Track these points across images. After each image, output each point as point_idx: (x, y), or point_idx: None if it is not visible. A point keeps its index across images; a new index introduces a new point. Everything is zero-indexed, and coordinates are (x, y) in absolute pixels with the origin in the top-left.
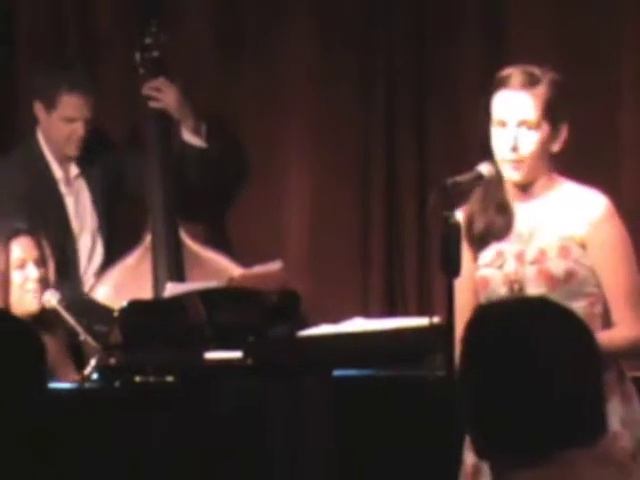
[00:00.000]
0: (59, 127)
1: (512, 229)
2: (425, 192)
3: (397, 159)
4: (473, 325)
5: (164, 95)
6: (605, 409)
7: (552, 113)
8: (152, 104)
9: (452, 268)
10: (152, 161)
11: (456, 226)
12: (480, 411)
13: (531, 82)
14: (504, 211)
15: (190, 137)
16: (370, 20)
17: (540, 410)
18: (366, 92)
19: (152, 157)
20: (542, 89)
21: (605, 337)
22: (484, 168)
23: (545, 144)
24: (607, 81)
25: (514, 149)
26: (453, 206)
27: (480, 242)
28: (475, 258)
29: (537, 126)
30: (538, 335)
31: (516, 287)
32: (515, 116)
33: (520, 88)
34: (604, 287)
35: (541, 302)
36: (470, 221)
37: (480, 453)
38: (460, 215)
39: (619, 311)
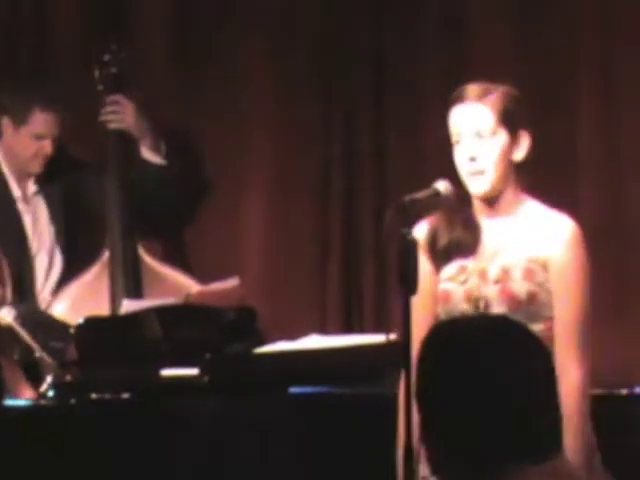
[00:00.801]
0: (27, 144)
1: (478, 244)
2: (383, 209)
3: (355, 176)
4: (430, 342)
5: (123, 115)
6: (561, 426)
7: (508, 120)
8: (111, 125)
9: (409, 285)
10: (111, 179)
11: (413, 243)
12: (436, 426)
13: (484, 93)
14: (471, 228)
15: (149, 155)
16: (329, 35)
17: (496, 426)
18: (326, 108)
19: (111, 175)
20: (495, 97)
21: (571, 407)
22: (441, 185)
23: (505, 153)
24: (566, 97)
25: (472, 159)
26: (410, 223)
27: (444, 257)
28: (437, 271)
29: (493, 134)
30: (495, 353)
31: (481, 304)
32: (470, 127)
33: (473, 100)
34: (555, 311)
35: (499, 320)
36: (434, 236)
37: (434, 468)
38: (424, 228)
39: (563, 343)
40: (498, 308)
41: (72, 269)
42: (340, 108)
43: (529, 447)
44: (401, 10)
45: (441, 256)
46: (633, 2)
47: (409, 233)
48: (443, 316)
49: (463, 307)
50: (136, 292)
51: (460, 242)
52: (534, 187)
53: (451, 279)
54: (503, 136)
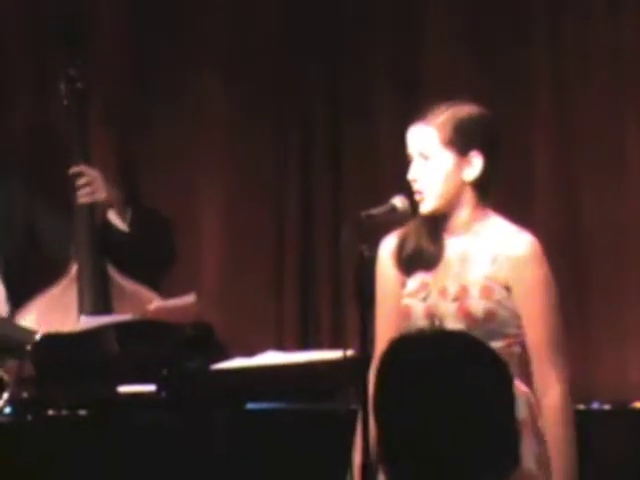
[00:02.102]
0: None
1: (440, 261)
2: (340, 224)
3: (312, 191)
4: (386, 357)
5: (95, 189)
6: (518, 443)
7: (455, 140)
8: (82, 200)
9: (365, 301)
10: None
11: (370, 259)
12: (392, 441)
13: (433, 114)
14: (435, 241)
15: (115, 220)
16: (283, 64)
17: (453, 443)
18: (281, 123)
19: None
20: (443, 118)
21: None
22: (398, 201)
23: (451, 174)
24: (522, 113)
25: (413, 180)
26: (367, 239)
27: (408, 266)
28: (403, 285)
29: (436, 155)
30: (452, 369)
31: (436, 322)
32: (415, 149)
33: (421, 121)
34: (526, 331)
35: (457, 336)
36: (402, 245)
37: None
38: (393, 239)
39: (539, 361)
40: (455, 325)
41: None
42: (296, 124)
43: (486, 463)
44: (354, 39)
45: (406, 265)
46: (583, 19)
47: (366, 249)
48: (404, 332)
49: (422, 323)
50: (105, 307)
51: (424, 252)
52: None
53: (412, 295)
54: (447, 157)
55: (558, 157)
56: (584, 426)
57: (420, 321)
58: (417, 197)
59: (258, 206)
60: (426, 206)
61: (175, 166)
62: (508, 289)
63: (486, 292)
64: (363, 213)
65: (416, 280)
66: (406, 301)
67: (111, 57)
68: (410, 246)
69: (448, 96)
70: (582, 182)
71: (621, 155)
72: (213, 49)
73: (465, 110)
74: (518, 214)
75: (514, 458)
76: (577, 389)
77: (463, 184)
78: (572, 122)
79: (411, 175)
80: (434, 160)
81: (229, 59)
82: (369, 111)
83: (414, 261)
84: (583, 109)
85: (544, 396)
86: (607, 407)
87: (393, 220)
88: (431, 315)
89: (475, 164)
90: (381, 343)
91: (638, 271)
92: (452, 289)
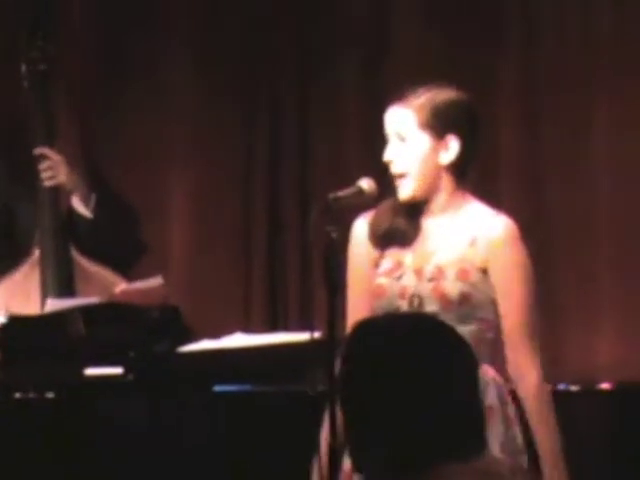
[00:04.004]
0: None
1: (416, 239)
2: (308, 207)
3: (280, 175)
4: (354, 340)
5: (55, 172)
6: (484, 426)
7: (431, 123)
8: (46, 183)
9: (333, 283)
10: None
11: (338, 241)
12: (359, 424)
13: (410, 96)
14: (410, 220)
15: (79, 206)
16: (252, 46)
17: (420, 425)
18: (249, 109)
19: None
20: (420, 101)
21: (532, 414)
22: (364, 183)
23: (427, 156)
24: (487, 95)
25: (389, 162)
26: (335, 221)
27: (383, 241)
28: (376, 265)
29: (412, 137)
30: (418, 352)
31: (415, 301)
32: (392, 130)
33: (395, 104)
34: (501, 315)
35: (424, 319)
36: (377, 222)
37: (357, 466)
38: (367, 217)
39: (514, 345)
40: (431, 306)
41: None
42: (263, 108)
43: (452, 447)
44: (323, 17)
45: (381, 240)
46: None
47: (333, 231)
48: (378, 311)
49: (398, 303)
50: (68, 291)
51: (400, 228)
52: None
53: (387, 274)
54: (425, 139)
55: (523, 140)
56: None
57: (395, 300)
58: (396, 182)
59: (226, 190)
60: (406, 190)
61: (142, 151)
62: (484, 272)
63: (462, 274)
64: (330, 195)
65: (391, 259)
66: (380, 280)
67: (77, 41)
68: (385, 222)
69: (415, 74)
70: (548, 166)
71: (587, 138)
72: (181, 35)
73: (443, 94)
74: (483, 197)
75: (479, 442)
76: (545, 370)
77: (440, 168)
78: (538, 104)
79: (387, 156)
80: (410, 142)
81: (197, 44)
82: (337, 96)
83: (389, 236)
84: (550, 90)
85: (520, 382)
86: (574, 388)
87: (360, 202)
88: (406, 295)
89: (451, 148)
90: (352, 324)
91: (605, 253)
92: (428, 269)
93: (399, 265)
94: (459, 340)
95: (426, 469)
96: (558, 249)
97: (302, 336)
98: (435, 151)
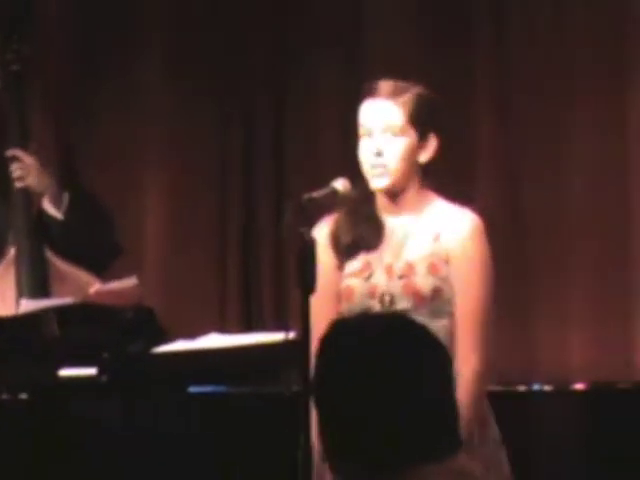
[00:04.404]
0: None
1: (382, 241)
2: (282, 208)
3: (255, 175)
4: (327, 339)
5: (26, 174)
6: (459, 425)
7: (418, 121)
8: (16, 184)
9: (308, 284)
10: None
11: (311, 242)
12: (334, 425)
13: (396, 91)
14: (374, 223)
15: (50, 208)
16: (226, 47)
17: (394, 426)
18: (224, 109)
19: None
20: (407, 97)
21: (462, 396)
22: (339, 184)
23: (411, 152)
24: (463, 94)
25: (378, 154)
26: (308, 222)
27: (348, 254)
28: (341, 267)
29: (402, 132)
30: (391, 352)
31: (387, 300)
32: (380, 123)
33: (385, 96)
34: (456, 304)
35: (396, 318)
36: (337, 233)
37: (333, 466)
38: (326, 226)
39: (463, 334)
40: (402, 303)
41: None
42: (237, 107)
43: (427, 446)
44: (299, 18)
45: (345, 252)
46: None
47: (307, 232)
48: (347, 313)
49: (368, 303)
50: (43, 291)
51: (364, 238)
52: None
53: (355, 275)
54: (411, 136)
55: (499, 138)
56: (525, 407)
57: (365, 300)
58: (377, 170)
59: (200, 190)
60: (384, 181)
61: (117, 151)
62: (449, 264)
63: (432, 268)
64: (304, 196)
65: (358, 260)
66: (348, 281)
67: (52, 41)
68: (348, 236)
69: (391, 74)
70: (524, 165)
71: (564, 137)
72: (155, 36)
73: (424, 92)
74: (459, 195)
75: (454, 442)
76: (518, 370)
77: (416, 165)
78: (514, 102)
79: (377, 149)
80: (401, 137)
81: (171, 45)
82: (311, 96)
83: (354, 248)
84: (526, 89)
85: (462, 366)
86: (548, 388)
87: (335, 203)
88: (376, 294)
89: (430, 147)
90: (320, 326)
91: (579, 253)
92: (397, 267)
93: (367, 265)
94: (432, 339)
95: (401, 469)
96: (533, 249)
97: (277, 336)
98: (417, 149)
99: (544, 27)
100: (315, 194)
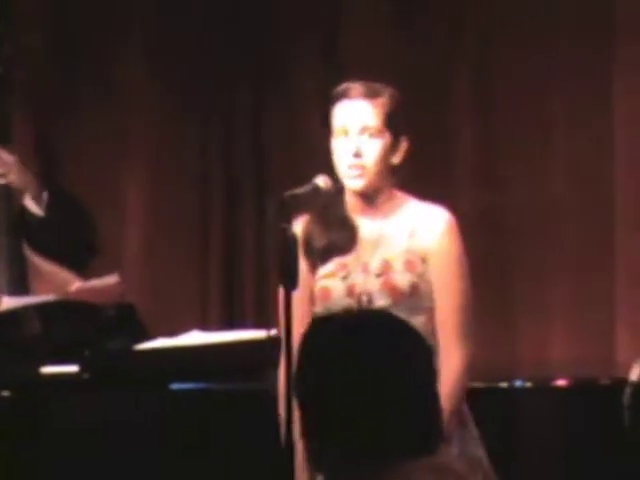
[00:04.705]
0: None
1: (355, 244)
2: (264, 204)
3: (236, 171)
4: (310, 337)
5: (7, 172)
6: (442, 422)
7: (393, 124)
8: None
9: (290, 280)
10: None
11: (294, 238)
12: (317, 423)
13: (372, 93)
14: (346, 226)
15: (31, 204)
16: (207, 46)
17: (378, 422)
18: (205, 105)
19: None
20: (383, 100)
21: (445, 389)
22: (321, 180)
23: (386, 154)
24: (443, 93)
25: (357, 155)
26: (291, 218)
27: (321, 257)
28: (313, 269)
29: (379, 134)
30: (375, 348)
31: (364, 299)
32: (357, 123)
33: (362, 97)
34: (436, 302)
35: (380, 315)
36: (308, 238)
37: (317, 465)
38: (297, 227)
39: (445, 330)
40: (381, 301)
41: None
42: (219, 104)
43: (410, 443)
44: (282, 19)
45: (319, 257)
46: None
47: (289, 228)
48: (323, 313)
49: (345, 302)
50: (22, 289)
51: (337, 243)
52: (409, 182)
53: (330, 276)
54: (386, 138)
55: (479, 138)
56: (507, 404)
57: (343, 300)
58: (354, 171)
59: (182, 187)
60: (362, 182)
61: (97, 150)
62: (425, 262)
63: (409, 265)
64: (286, 193)
65: (332, 262)
66: (323, 282)
67: (34, 41)
68: (321, 241)
69: (368, 75)
70: (506, 161)
71: (545, 135)
72: (136, 34)
73: (397, 94)
74: (440, 192)
75: (438, 438)
76: (499, 367)
77: (390, 167)
78: (494, 102)
79: (356, 150)
80: (378, 139)
81: (152, 44)
82: (292, 95)
83: (327, 253)
84: (507, 88)
85: (445, 362)
86: (529, 385)
87: (317, 199)
88: (354, 293)
89: (402, 149)
90: (298, 324)
91: (560, 250)
92: (374, 265)
93: (343, 265)
94: (416, 335)
95: (385, 465)
96: (514, 247)
97: (258, 334)
98: (391, 151)
99: (527, 26)
100: (297, 191)
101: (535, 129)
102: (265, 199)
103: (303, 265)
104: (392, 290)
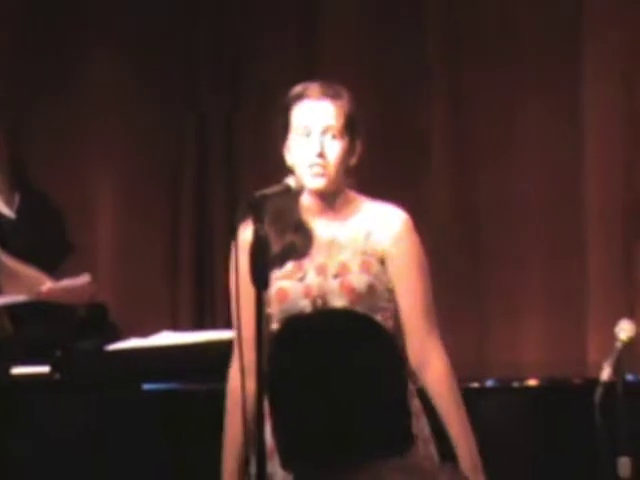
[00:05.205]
0: None
1: (312, 244)
2: (235, 204)
3: (208, 174)
4: (283, 337)
5: None
6: (412, 422)
7: (352, 126)
8: None
9: (260, 280)
10: None
11: (264, 238)
12: (288, 422)
13: (334, 94)
14: (302, 230)
15: (2, 207)
16: (178, 44)
17: (350, 422)
18: (175, 108)
19: None
20: (344, 101)
21: (443, 387)
22: (292, 180)
23: (346, 155)
24: (416, 92)
25: (320, 155)
26: (261, 219)
27: (278, 262)
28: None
29: (340, 134)
30: (350, 348)
31: (319, 301)
32: (320, 123)
33: (323, 97)
34: (400, 303)
35: (353, 315)
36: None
37: (286, 464)
38: (250, 229)
39: (416, 332)
40: (338, 302)
41: None
42: (190, 106)
43: (382, 443)
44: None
45: (274, 261)
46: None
47: (260, 229)
48: (281, 315)
49: (303, 303)
50: None
51: (293, 247)
52: (382, 185)
53: (287, 277)
54: (346, 139)
55: (451, 132)
56: (478, 404)
57: (300, 301)
58: (316, 170)
59: (153, 188)
60: (323, 181)
61: (69, 150)
62: (382, 263)
63: (365, 266)
64: (257, 193)
65: (289, 263)
66: (280, 284)
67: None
68: (277, 242)
69: (342, 77)
70: (476, 158)
71: (513, 132)
72: (106, 33)
73: (354, 98)
74: (412, 189)
75: (408, 438)
76: (471, 366)
77: (347, 168)
78: (466, 100)
79: (319, 149)
80: (339, 139)
81: (122, 42)
82: (264, 95)
83: (285, 257)
84: (478, 82)
85: (427, 367)
86: (500, 384)
87: (287, 199)
88: (311, 294)
89: (358, 150)
90: (247, 328)
91: (533, 249)
92: (331, 266)
93: (299, 267)
94: (388, 336)
95: (355, 465)
96: (485, 245)
97: (229, 334)
98: (349, 152)
99: (495, 21)
100: (267, 191)
101: (505, 122)
102: (236, 199)
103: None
104: (349, 291)
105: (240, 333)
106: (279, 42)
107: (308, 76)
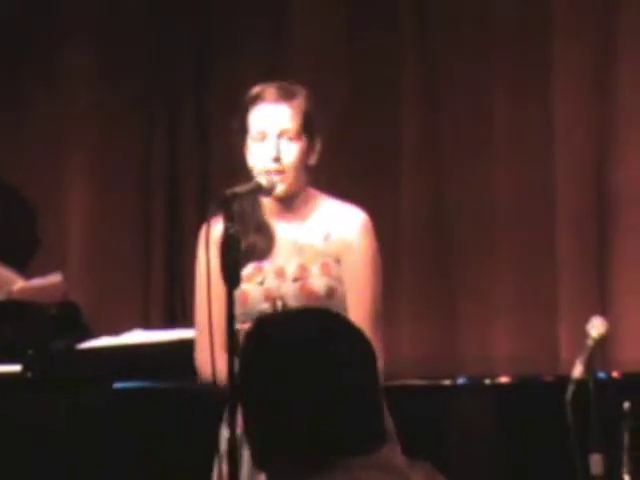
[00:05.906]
0: None
1: (273, 246)
2: (206, 202)
3: (179, 166)
4: (254, 336)
5: None
6: (384, 420)
7: (309, 126)
8: None
9: (232, 278)
10: None
11: (235, 237)
12: (261, 421)
13: (288, 95)
14: (264, 231)
15: None
16: (152, 38)
17: (322, 420)
18: (148, 106)
19: None
20: (299, 101)
21: None
22: (263, 179)
23: (304, 156)
24: (389, 90)
25: (276, 159)
26: (232, 217)
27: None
28: None
29: (297, 137)
30: (323, 347)
31: (279, 303)
32: (275, 127)
33: (278, 100)
34: (348, 301)
35: (326, 314)
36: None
37: (259, 463)
38: (216, 228)
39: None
40: (299, 305)
41: None
42: (162, 105)
43: (354, 441)
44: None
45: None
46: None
47: (231, 227)
48: (242, 317)
49: (263, 306)
50: None
51: (255, 246)
52: (359, 188)
53: (248, 279)
54: (304, 140)
55: (424, 132)
56: (450, 401)
57: (260, 304)
58: (276, 177)
59: (125, 187)
60: (282, 187)
61: (39, 146)
62: (339, 263)
63: (325, 269)
64: (228, 191)
65: (249, 265)
66: (243, 286)
67: None
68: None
69: (313, 71)
70: (447, 158)
71: (484, 132)
72: (79, 27)
73: (310, 94)
74: (384, 190)
75: (381, 436)
76: (442, 364)
77: (306, 168)
78: (440, 95)
79: (275, 154)
80: (296, 142)
81: (91, 39)
82: (236, 88)
83: (245, 255)
84: (451, 80)
85: None
86: (472, 382)
87: (249, 200)
88: (270, 297)
89: (317, 149)
90: (218, 322)
91: (505, 246)
92: (290, 270)
93: (259, 270)
94: (360, 334)
95: (329, 463)
96: (456, 244)
97: None
98: (308, 152)
99: (467, 11)
100: (238, 189)
101: (477, 122)
102: (208, 197)
103: (218, 266)
104: (309, 294)
105: (210, 320)
106: (250, 40)
107: (279, 74)
